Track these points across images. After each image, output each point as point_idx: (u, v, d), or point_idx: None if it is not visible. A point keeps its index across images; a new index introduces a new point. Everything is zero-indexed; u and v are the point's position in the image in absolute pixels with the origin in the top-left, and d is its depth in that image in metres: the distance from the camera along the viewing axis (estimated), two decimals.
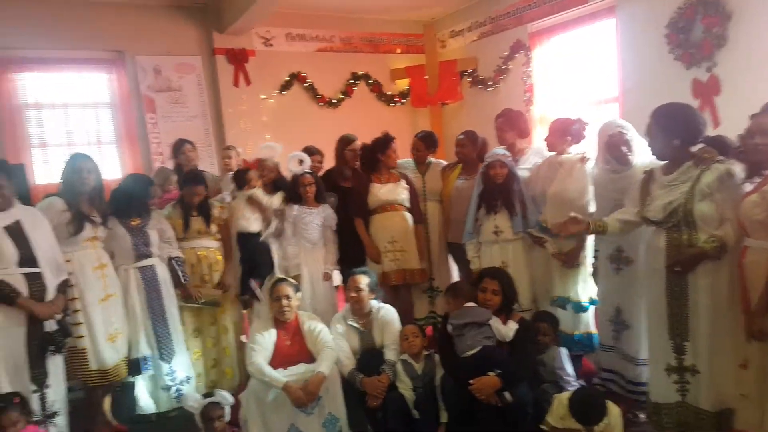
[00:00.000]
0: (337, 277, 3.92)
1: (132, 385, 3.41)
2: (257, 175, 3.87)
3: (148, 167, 5.72)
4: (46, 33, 5.29)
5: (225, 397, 2.70)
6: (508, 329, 2.92)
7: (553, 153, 3.46)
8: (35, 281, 2.70)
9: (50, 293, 2.76)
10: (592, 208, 3.19)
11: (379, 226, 3.88)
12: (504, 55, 6.36)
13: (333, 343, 3.07)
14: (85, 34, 5.48)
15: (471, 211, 3.53)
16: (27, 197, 4.36)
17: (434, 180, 4.15)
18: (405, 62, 7.26)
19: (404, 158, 4.22)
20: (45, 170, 5.40)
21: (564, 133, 3.38)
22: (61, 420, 2.85)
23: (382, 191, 3.87)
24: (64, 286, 2.87)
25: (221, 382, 3.60)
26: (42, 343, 2.71)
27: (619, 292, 3.11)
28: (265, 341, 3.01)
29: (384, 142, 3.92)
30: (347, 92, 6.95)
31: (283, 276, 3.43)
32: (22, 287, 2.64)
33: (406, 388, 2.94)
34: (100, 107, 5.71)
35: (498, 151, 3.51)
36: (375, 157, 3.93)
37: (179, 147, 4.39)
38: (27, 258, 2.68)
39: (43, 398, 2.74)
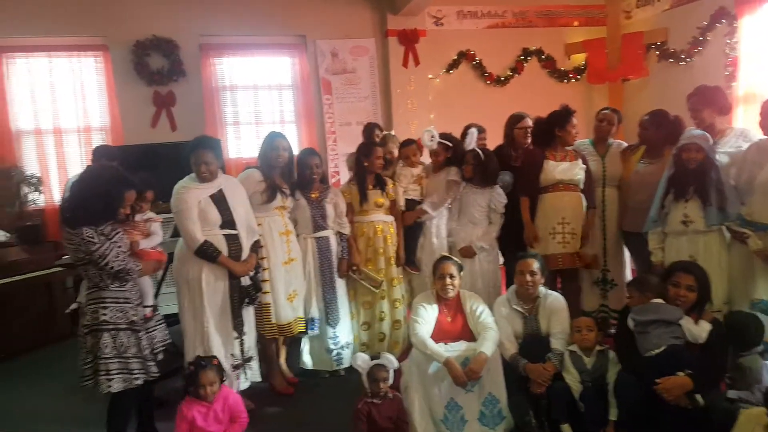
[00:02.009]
0: (499, 257, 3.94)
1: (299, 342, 3.81)
2: (411, 153, 4.03)
3: (322, 146, 6.21)
4: (241, 20, 5.96)
5: (391, 360, 2.86)
6: (701, 330, 2.70)
7: (766, 137, 3.07)
8: (234, 242, 3.15)
9: (245, 252, 3.20)
10: None
11: (550, 206, 3.71)
12: (702, 26, 5.74)
13: (494, 324, 3.08)
14: (273, 20, 6.07)
15: (657, 197, 3.27)
16: (223, 169, 5.00)
17: (614, 164, 3.91)
18: (582, 36, 6.90)
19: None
20: (236, 146, 6.12)
21: None
22: (255, 364, 3.31)
23: (558, 169, 3.70)
24: (255, 247, 3.29)
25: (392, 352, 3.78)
26: (240, 295, 3.17)
27: None
28: (428, 315, 3.12)
29: (563, 116, 3.71)
30: (517, 69, 6.80)
31: (447, 254, 3.51)
32: (222, 247, 3.09)
33: (573, 379, 2.87)
34: (283, 89, 6.30)
35: (695, 132, 3.20)
36: (551, 131, 3.74)
37: (371, 131, 4.57)
38: (227, 221, 3.13)
39: (242, 344, 3.21)
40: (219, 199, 3.12)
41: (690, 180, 3.15)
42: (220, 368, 2.78)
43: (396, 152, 4.23)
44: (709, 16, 5.65)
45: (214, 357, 2.85)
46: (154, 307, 3.01)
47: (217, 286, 3.09)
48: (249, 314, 3.29)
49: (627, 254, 4.04)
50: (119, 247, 2.62)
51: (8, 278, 4.52)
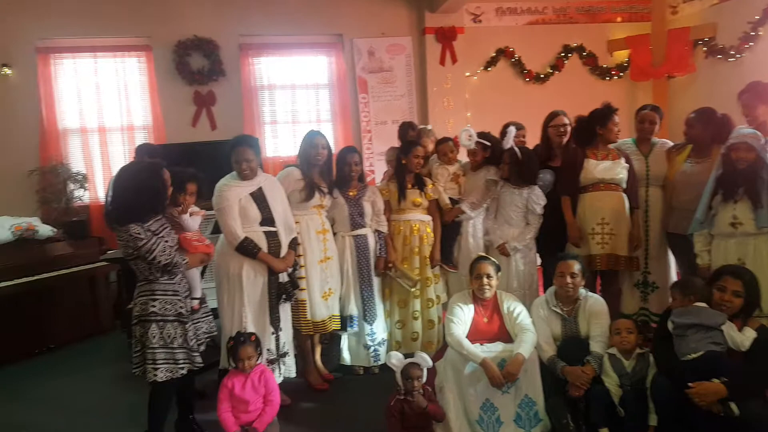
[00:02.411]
0: (537, 258, 3.90)
1: (338, 339, 3.87)
2: (449, 149, 4.00)
3: (358, 144, 6.27)
4: (280, 20, 6.08)
5: (425, 359, 2.87)
6: (744, 337, 2.62)
7: None
8: (273, 238, 3.23)
9: (284, 249, 3.27)
10: None
11: (590, 205, 3.67)
12: (753, 20, 5.56)
13: (532, 326, 3.07)
14: (311, 20, 6.17)
15: (704, 198, 3.20)
16: (261, 168, 5.09)
17: (659, 163, 3.83)
18: (625, 32, 6.79)
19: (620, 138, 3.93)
20: (273, 144, 6.22)
21: None
22: (290, 360, 3.38)
23: (598, 168, 3.65)
24: (293, 244, 3.36)
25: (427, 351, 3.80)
26: (278, 292, 3.25)
27: None
28: (464, 315, 3.12)
29: (604, 114, 3.66)
30: (557, 66, 6.74)
31: (484, 254, 3.50)
32: (262, 243, 3.17)
33: (612, 383, 2.83)
34: (320, 88, 6.39)
35: (745, 131, 3.11)
36: (592, 130, 3.70)
37: (405, 131, 4.57)
38: (267, 218, 3.21)
39: (277, 339, 3.28)
40: (259, 197, 3.20)
41: (740, 180, 3.07)
42: (257, 343, 2.94)
43: (431, 147, 4.22)
44: (762, 10, 5.50)
45: (253, 333, 2.98)
46: (202, 300, 3.12)
47: (256, 282, 3.17)
48: (285, 311, 3.36)
49: (671, 257, 3.95)
50: (166, 241, 2.73)
51: (54, 272, 4.69)
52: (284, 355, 3.32)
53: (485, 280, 3.13)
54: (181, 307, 2.80)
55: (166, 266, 2.72)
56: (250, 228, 3.16)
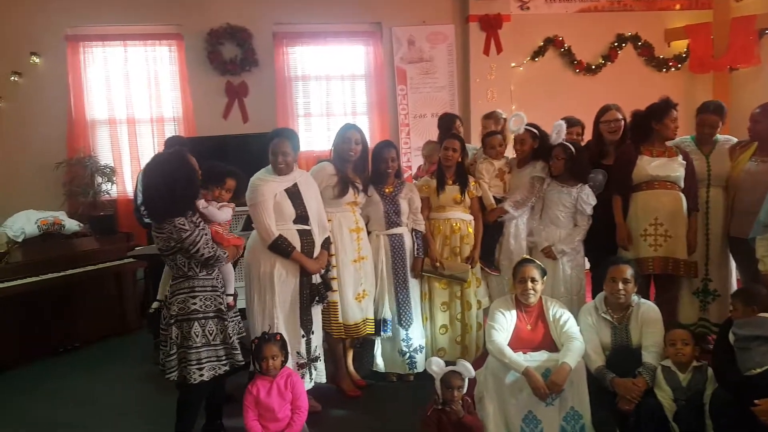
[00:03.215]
0: (585, 261, 3.85)
1: (372, 344, 3.89)
2: (498, 143, 3.98)
3: (395, 138, 6.29)
4: (315, 7, 6.15)
5: (467, 368, 2.85)
6: None
7: None
8: (306, 237, 3.26)
9: (317, 249, 3.31)
10: None
11: (643, 205, 3.62)
12: None
13: (580, 334, 3.05)
14: (348, 7, 6.24)
15: None
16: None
17: (721, 162, 3.76)
18: (684, 20, 6.67)
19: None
20: (307, 138, 6.27)
21: None
22: (321, 365, 3.42)
23: (652, 165, 3.59)
24: (326, 244, 3.40)
25: (464, 358, 3.79)
26: (310, 293, 3.28)
27: None
28: (505, 321, 3.11)
29: (662, 109, 3.60)
30: (610, 57, 6.66)
31: (529, 257, 3.48)
32: (296, 242, 3.21)
33: (665, 397, 2.80)
34: (356, 79, 6.45)
35: None
36: (648, 125, 3.64)
37: (451, 122, 4.51)
38: (301, 216, 3.25)
39: (309, 343, 3.32)
40: (294, 194, 3.24)
41: None
42: (283, 344, 2.96)
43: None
44: None
45: (278, 333, 3.01)
46: (235, 296, 3.16)
47: (287, 282, 3.21)
48: (317, 313, 3.39)
49: (733, 263, 3.87)
50: (206, 234, 2.80)
51: (80, 268, 4.78)
52: (315, 359, 3.35)
53: (529, 284, 3.11)
54: (219, 303, 2.86)
55: (209, 259, 2.77)
56: (284, 225, 3.19)
